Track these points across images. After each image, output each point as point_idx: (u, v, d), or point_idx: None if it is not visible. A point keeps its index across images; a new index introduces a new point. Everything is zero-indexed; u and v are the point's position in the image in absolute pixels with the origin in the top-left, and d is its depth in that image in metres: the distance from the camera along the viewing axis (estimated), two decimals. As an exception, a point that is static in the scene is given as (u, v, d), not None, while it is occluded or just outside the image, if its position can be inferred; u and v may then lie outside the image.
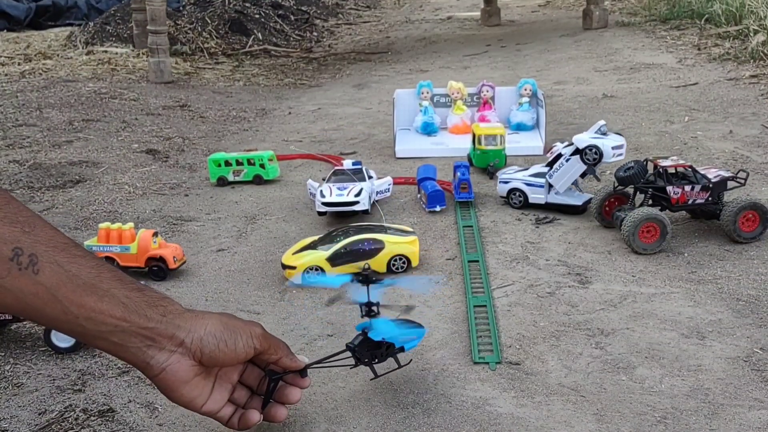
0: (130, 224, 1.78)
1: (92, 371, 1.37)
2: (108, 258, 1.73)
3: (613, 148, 1.93)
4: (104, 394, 1.29)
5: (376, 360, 1.17)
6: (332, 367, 1.10)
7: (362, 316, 1.15)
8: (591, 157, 1.94)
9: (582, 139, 1.96)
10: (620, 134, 2.02)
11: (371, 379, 1.18)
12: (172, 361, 0.83)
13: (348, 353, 1.15)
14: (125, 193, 2.43)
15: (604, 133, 1.98)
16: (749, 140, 2.60)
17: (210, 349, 0.85)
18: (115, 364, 1.39)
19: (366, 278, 1.14)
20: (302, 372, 1.00)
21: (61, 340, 1.42)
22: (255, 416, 0.94)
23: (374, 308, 1.15)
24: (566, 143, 2.08)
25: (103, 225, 1.78)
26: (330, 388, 1.26)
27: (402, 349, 1.19)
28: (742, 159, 2.40)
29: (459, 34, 6.10)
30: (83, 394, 1.29)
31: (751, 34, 4.02)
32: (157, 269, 1.75)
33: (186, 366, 0.84)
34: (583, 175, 2.01)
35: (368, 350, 1.14)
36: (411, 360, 1.27)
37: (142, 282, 0.91)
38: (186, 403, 0.88)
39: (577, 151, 1.97)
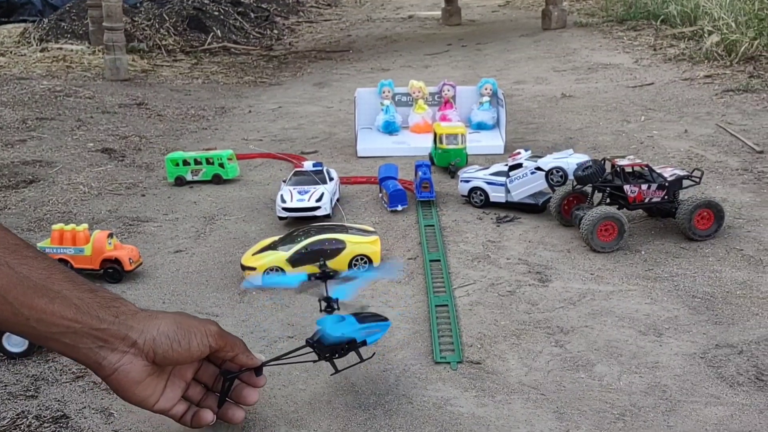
0: (85, 225, 1.74)
1: (45, 377, 1.33)
2: (61, 260, 1.69)
3: (577, 164, 1.95)
4: (58, 400, 1.26)
5: (337, 355, 1.15)
6: (291, 364, 1.09)
7: (321, 311, 1.14)
8: (556, 179, 1.97)
9: (547, 162, 1.99)
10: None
11: (331, 374, 1.17)
12: (124, 361, 0.82)
13: (307, 349, 1.13)
14: (80, 194, 2.38)
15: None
16: (704, 139, 2.65)
17: (163, 349, 0.84)
18: (69, 369, 1.35)
19: (324, 274, 1.13)
20: (257, 370, 0.98)
21: (13, 345, 1.38)
22: (208, 416, 0.93)
23: (334, 304, 1.14)
24: (530, 151, 2.10)
25: (57, 226, 1.74)
26: (290, 391, 1.25)
27: (364, 343, 1.17)
28: (697, 158, 2.45)
29: (420, 33, 6.12)
30: (36, 400, 1.26)
31: (706, 35, 4.10)
32: (113, 271, 1.71)
33: (138, 366, 0.83)
34: None
35: (328, 345, 1.13)
36: (374, 354, 1.26)
37: (97, 284, 0.89)
38: (138, 402, 0.87)
39: (540, 168, 1.99)
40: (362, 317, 1.18)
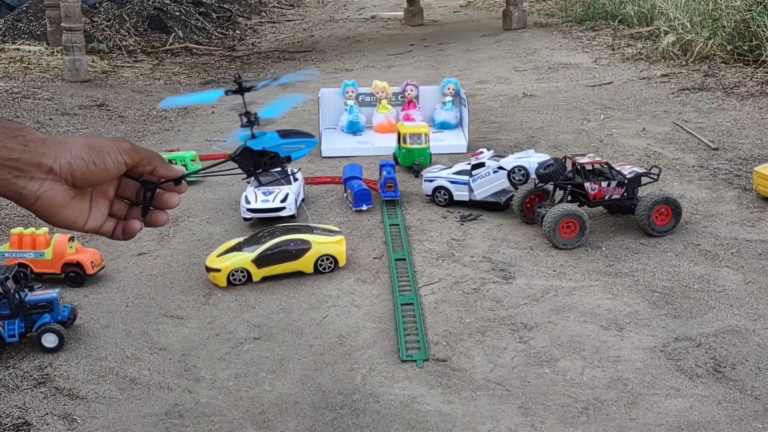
0: (45, 229, 1.72)
1: (6, 383, 1.31)
2: (21, 264, 1.66)
3: (539, 163, 1.98)
4: (19, 407, 1.24)
5: (260, 170, 1.14)
6: (213, 176, 1.08)
7: (242, 125, 1.13)
8: (518, 177, 1.99)
9: (509, 162, 2.02)
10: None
11: (255, 187, 1.15)
12: (45, 188, 0.84)
13: (230, 164, 1.12)
14: (39, 197, 2.34)
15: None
16: (661, 137, 2.70)
17: (81, 171, 0.86)
18: (30, 375, 1.33)
19: (240, 88, 1.12)
20: (177, 181, 1.00)
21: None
22: (136, 225, 0.96)
23: (253, 118, 1.13)
24: (492, 151, 2.13)
25: (16, 230, 1.71)
26: (257, 392, 1.25)
27: (289, 159, 1.16)
28: (655, 155, 2.50)
29: (383, 34, 6.13)
30: (-4, 408, 1.24)
31: (662, 35, 4.18)
32: (75, 275, 1.69)
33: (60, 191, 0.85)
34: None
35: (250, 160, 1.13)
36: (299, 169, 1.23)
37: None
38: (68, 225, 0.89)
39: (503, 167, 2.02)
40: (285, 133, 1.16)
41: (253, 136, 1.10)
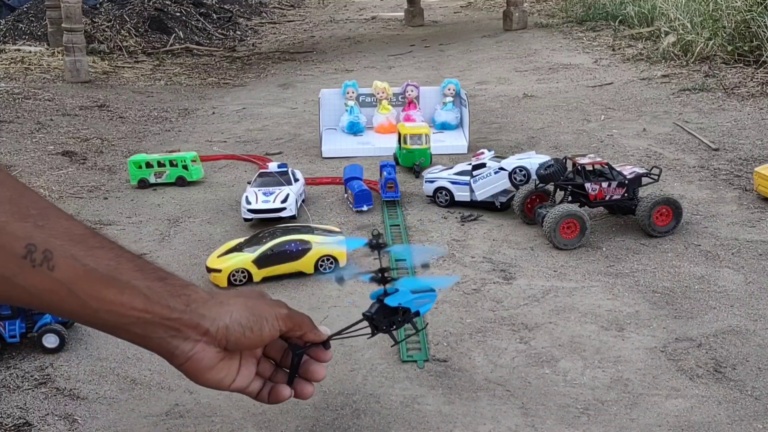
0: (46, 230, 1.72)
1: (7, 383, 1.31)
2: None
3: (540, 164, 1.98)
4: (20, 407, 1.24)
5: (394, 327, 1.15)
6: (352, 337, 1.08)
7: (378, 283, 1.13)
8: (519, 177, 2.00)
9: (510, 163, 2.02)
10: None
11: (392, 346, 1.16)
12: (197, 350, 0.82)
13: (365, 322, 1.13)
14: (40, 198, 2.34)
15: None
16: (662, 137, 2.70)
17: (236, 336, 0.84)
18: (31, 375, 1.33)
19: (378, 244, 1.12)
20: (325, 344, 0.99)
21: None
22: (286, 391, 0.93)
23: (387, 274, 1.13)
24: (493, 152, 2.13)
25: (17, 231, 1.71)
26: (258, 392, 1.25)
27: (417, 314, 1.17)
28: (656, 156, 2.50)
29: (383, 34, 6.13)
30: (-3, 408, 1.24)
31: (662, 36, 4.18)
32: (76, 276, 1.69)
33: (211, 354, 0.83)
34: None
35: (386, 317, 1.13)
36: (427, 324, 1.26)
37: (167, 271, 0.88)
38: (213, 386, 0.87)
39: (504, 168, 2.02)
40: (413, 289, 1.17)
41: (386, 293, 1.10)
